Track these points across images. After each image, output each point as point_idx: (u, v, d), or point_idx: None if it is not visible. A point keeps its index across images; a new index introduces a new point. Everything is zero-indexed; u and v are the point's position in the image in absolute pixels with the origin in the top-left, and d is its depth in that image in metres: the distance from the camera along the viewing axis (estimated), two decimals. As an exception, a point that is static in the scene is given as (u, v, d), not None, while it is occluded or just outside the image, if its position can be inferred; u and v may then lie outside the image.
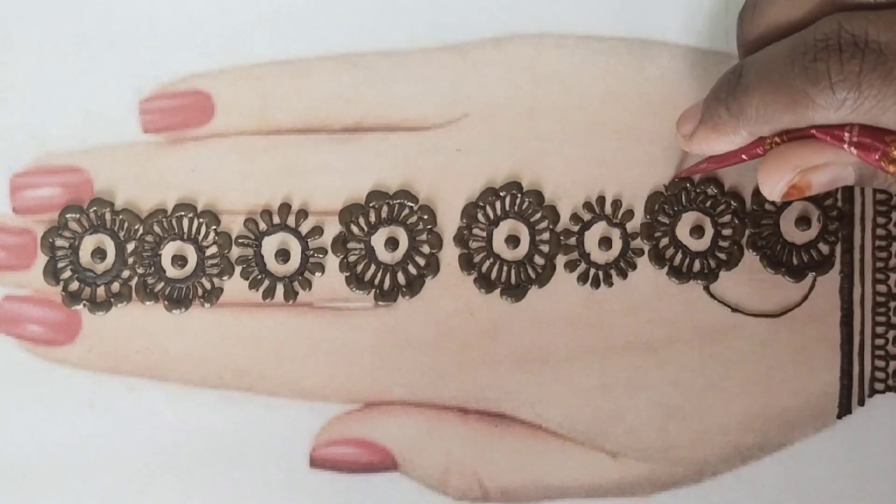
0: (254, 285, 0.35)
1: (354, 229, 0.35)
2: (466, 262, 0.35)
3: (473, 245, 0.35)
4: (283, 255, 0.35)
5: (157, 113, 0.35)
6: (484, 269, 0.35)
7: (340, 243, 0.35)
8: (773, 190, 0.29)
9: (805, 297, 0.35)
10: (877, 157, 0.26)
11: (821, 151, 0.28)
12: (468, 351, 0.35)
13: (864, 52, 0.25)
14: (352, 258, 0.35)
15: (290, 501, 0.35)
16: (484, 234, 0.35)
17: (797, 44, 0.27)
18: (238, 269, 0.35)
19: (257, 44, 0.35)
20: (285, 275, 0.35)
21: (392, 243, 0.35)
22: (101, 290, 0.35)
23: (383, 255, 0.35)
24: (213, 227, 0.35)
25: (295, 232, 0.35)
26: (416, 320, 0.35)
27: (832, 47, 0.26)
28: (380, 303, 0.35)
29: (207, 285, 0.35)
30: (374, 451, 0.35)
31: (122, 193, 0.35)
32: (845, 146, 0.27)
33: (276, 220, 0.35)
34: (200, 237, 0.35)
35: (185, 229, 0.35)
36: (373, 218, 0.35)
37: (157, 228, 0.35)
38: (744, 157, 0.31)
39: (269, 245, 0.35)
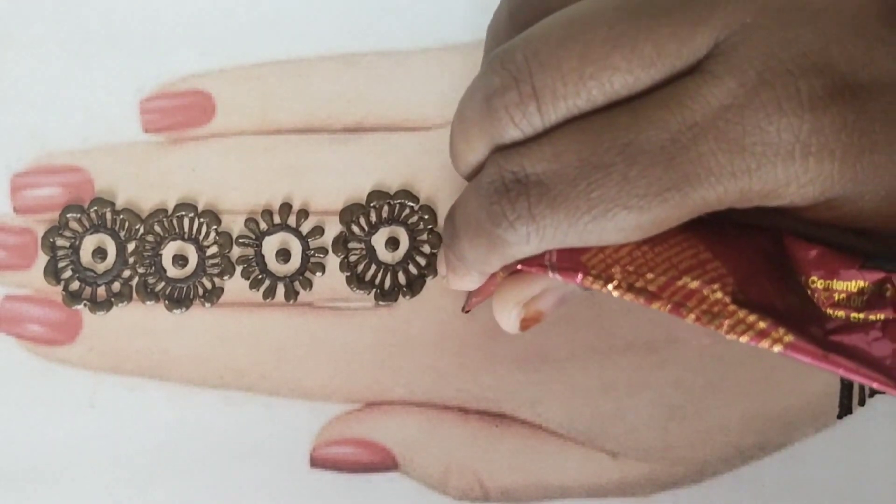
0: (254, 285, 0.35)
1: (355, 229, 0.35)
2: None
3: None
4: (283, 254, 0.35)
5: (157, 113, 0.35)
6: None
7: (341, 243, 0.35)
8: (509, 326, 0.29)
9: (805, 298, 0.35)
10: (580, 279, 0.26)
11: (535, 281, 0.28)
12: (469, 351, 0.35)
13: (528, 187, 0.25)
14: (352, 258, 0.35)
15: (291, 501, 0.35)
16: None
17: (477, 188, 0.26)
18: (239, 269, 0.35)
19: (258, 44, 0.35)
20: (286, 274, 0.35)
21: (393, 243, 0.35)
22: (101, 290, 0.35)
23: (384, 254, 0.35)
24: (214, 226, 0.35)
25: (296, 232, 0.35)
26: (416, 320, 0.35)
27: (499, 189, 0.25)
28: (380, 303, 0.35)
29: (208, 285, 0.35)
30: (374, 451, 0.35)
31: (122, 193, 0.35)
32: (550, 273, 0.26)
33: (277, 219, 0.35)
34: (201, 237, 0.35)
35: (186, 229, 0.35)
36: (373, 218, 0.35)
37: (157, 228, 0.35)
38: (491, 289, 0.30)
39: (270, 245, 0.35)
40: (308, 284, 0.35)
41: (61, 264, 0.35)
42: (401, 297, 0.35)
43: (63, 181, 0.35)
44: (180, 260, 0.35)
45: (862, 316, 0.24)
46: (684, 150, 0.24)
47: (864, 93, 0.24)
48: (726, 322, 0.24)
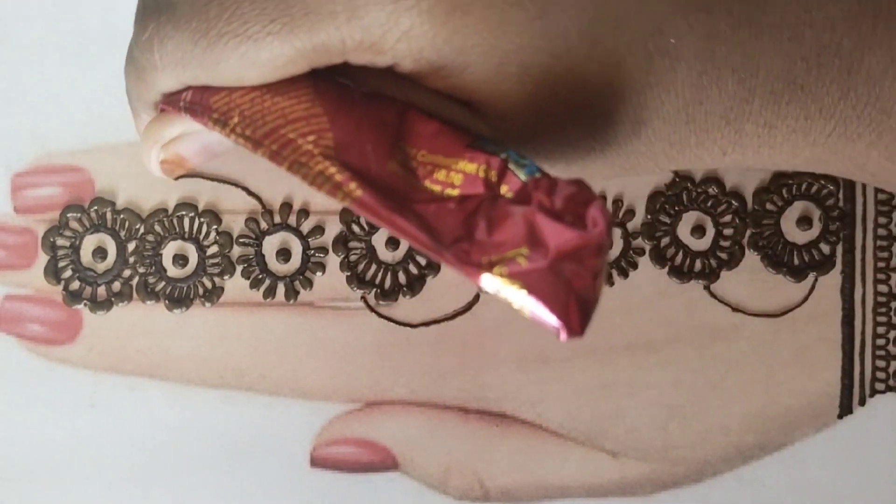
0: (255, 285, 0.35)
1: (355, 228, 0.35)
2: None
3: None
4: (284, 254, 0.35)
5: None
6: None
7: (341, 242, 0.35)
8: (150, 167, 0.27)
9: (806, 297, 0.35)
10: (205, 120, 0.24)
11: (175, 122, 0.26)
12: (469, 351, 0.35)
13: (160, 6, 0.24)
14: (353, 257, 0.35)
15: (291, 501, 0.35)
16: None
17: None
18: (239, 269, 0.35)
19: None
20: (286, 274, 0.35)
21: (393, 242, 0.35)
22: (101, 290, 0.35)
23: (384, 254, 0.35)
24: (214, 226, 0.35)
25: (296, 231, 0.35)
26: (416, 320, 0.35)
27: (139, 9, 0.25)
28: (381, 302, 0.35)
29: (208, 285, 0.35)
30: (374, 451, 0.35)
31: (123, 193, 0.35)
32: (182, 114, 0.25)
33: (277, 219, 0.35)
34: (201, 236, 0.35)
35: (187, 228, 0.35)
36: (374, 217, 0.35)
37: (158, 228, 0.35)
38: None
39: (270, 244, 0.35)
40: (308, 284, 0.35)
41: (61, 264, 0.35)
42: (401, 296, 0.35)
43: (63, 181, 0.35)
44: (180, 259, 0.35)
45: (456, 192, 0.23)
46: None
47: None
48: (311, 173, 0.23)
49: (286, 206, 0.35)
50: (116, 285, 0.35)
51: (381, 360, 0.35)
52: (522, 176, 0.23)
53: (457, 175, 0.23)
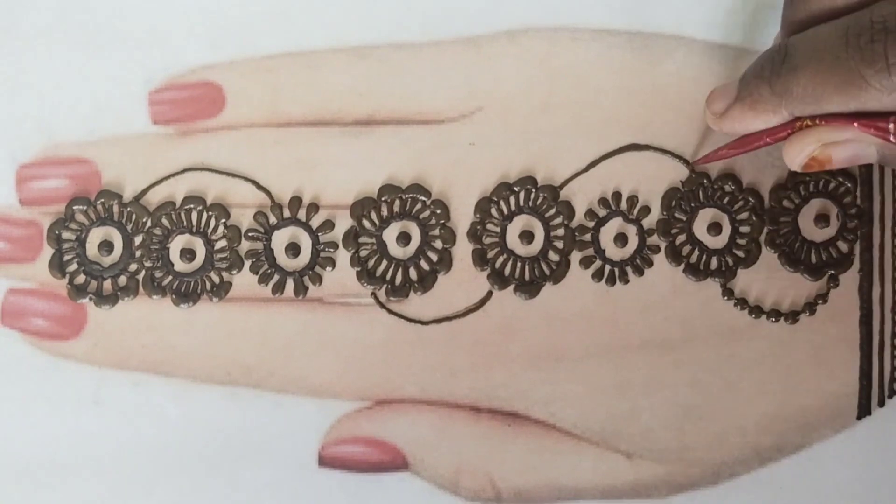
0: (263, 280, 0.34)
1: (366, 223, 0.34)
2: (480, 258, 0.34)
3: (487, 240, 0.34)
4: (293, 249, 0.34)
5: (166, 104, 0.35)
6: (497, 264, 0.34)
7: (352, 238, 0.34)
8: (795, 160, 0.29)
9: (824, 296, 0.34)
10: None
11: (844, 129, 0.28)
12: (481, 348, 0.34)
13: None
14: (363, 253, 0.34)
15: (298, 501, 0.34)
16: (498, 229, 0.34)
17: (853, 24, 0.27)
18: (247, 264, 0.34)
19: (269, 35, 0.35)
20: (295, 269, 0.34)
21: (404, 238, 0.34)
22: (107, 284, 0.34)
23: (395, 249, 0.34)
24: (223, 220, 0.34)
25: (306, 226, 0.34)
26: (428, 317, 0.34)
27: (890, 29, 0.26)
28: (391, 298, 0.34)
29: (216, 279, 0.34)
30: (384, 451, 0.34)
31: (130, 185, 0.35)
32: (891, 138, 0.26)
33: (287, 213, 0.34)
34: (209, 230, 0.34)
35: (194, 222, 0.34)
36: (385, 212, 0.34)
37: (165, 221, 0.34)
38: (768, 139, 0.30)
39: (280, 239, 0.34)
40: (318, 279, 0.34)
41: (67, 257, 0.34)
42: (412, 293, 0.34)
43: (70, 173, 0.35)
44: (188, 254, 0.34)
45: None
46: None
47: None
48: None
49: (296, 199, 0.34)
50: (122, 279, 0.34)
51: (392, 358, 0.34)
52: None
53: None
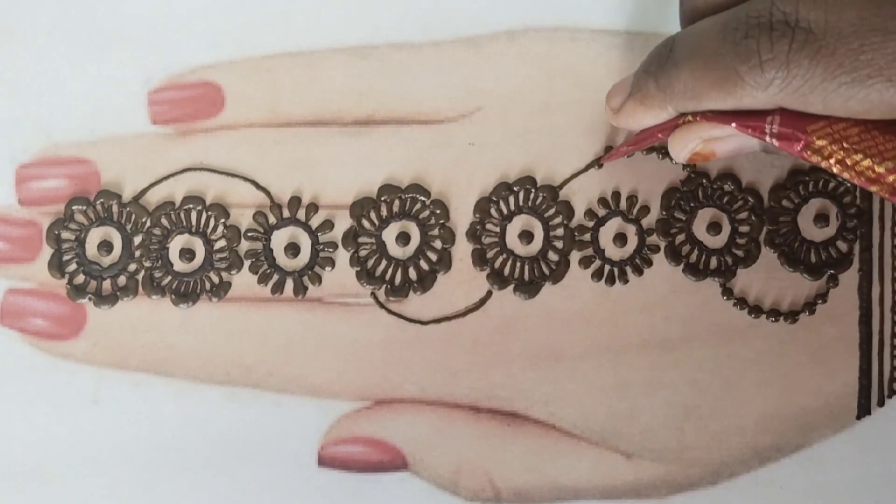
0: (263, 280, 0.34)
1: (365, 223, 0.34)
2: (479, 258, 0.34)
3: (486, 240, 0.34)
4: (292, 249, 0.34)
5: (166, 104, 0.35)
6: (497, 264, 0.34)
7: (351, 237, 0.34)
8: (679, 154, 0.29)
9: (823, 296, 0.34)
10: (799, 148, 0.25)
11: (724, 127, 0.28)
12: (480, 348, 0.34)
13: (794, 31, 0.25)
14: (363, 253, 0.34)
15: (298, 501, 0.34)
16: (497, 229, 0.34)
17: (730, 19, 0.26)
18: (247, 264, 0.34)
19: (268, 35, 0.35)
20: (295, 269, 0.34)
21: (404, 238, 0.34)
22: (106, 284, 0.34)
23: (395, 249, 0.34)
24: (222, 220, 0.34)
25: (305, 226, 0.34)
26: (427, 317, 0.34)
27: (763, 25, 0.25)
28: (391, 298, 0.34)
29: (215, 279, 0.34)
30: (383, 450, 0.34)
31: (129, 185, 0.35)
32: (767, 138, 0.26)
33: (286, 213, 0.34)
34: (209, 230, 0.34)
35: (194, 222, 0.34)
36: (384, 212, 0.34)
37: (164, 221, 0.34)
38: (660, 135, 0.30)
39: (279, 239, 0.34)
40: (317, 279, 0.34)
41: (66, 257, 0.34)
42: (411, 292, 0.34)
43: (69, 173, 0.35)
44: (187, 254, 0.34)
45: None
46: None
47: None
48: None
49: (295, 199, 0.34)
50: (122, 279, 0.34)
51: (391, 358, 0.34)
52: None
53: None
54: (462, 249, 0.34)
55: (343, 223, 0.34)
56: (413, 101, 0.35)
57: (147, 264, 0.34)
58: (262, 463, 0.34)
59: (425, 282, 0.34)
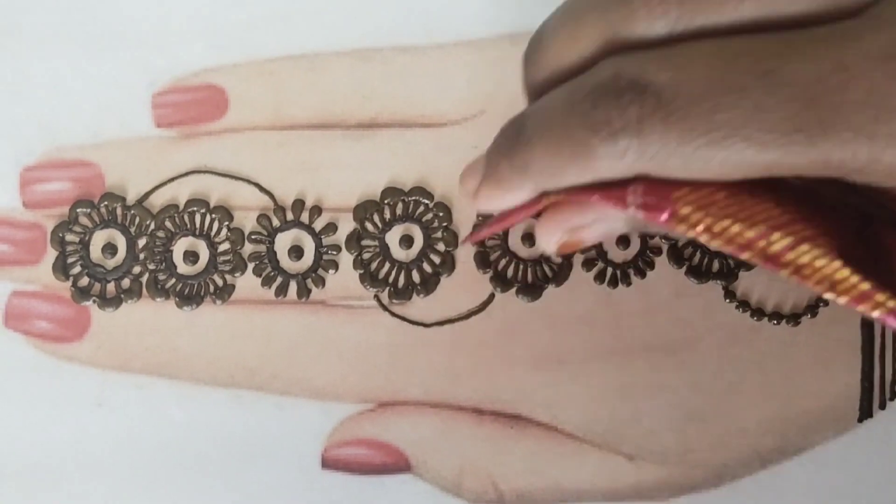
0: (266, 282, 0.34)
1: (369, 226, 0.34)
2: (482, 261, 0.34)
3: (489, 243, 0.34)
4: (296, 251, 0.34)
5: (170, 107, 0.35)
6: (500, 267, 0.34)
7: (355, 240, 0.34)
8: (547, 247, 0.27)
9: (826, 299, 0.34)
10: (665, 217, 0.23)
11: (586, 212, 0.26)
12: (483, 351, 0.34)
13: (643, 96, 0.22)
14: (366, 255, 0.34)
15: (302, 503, 0.34)
16: (500, 231, 0.35)
17: (575, 90, 0.24)
18: (251, 266, 0.34)
19: (272, 38, 0.35)
20: (298, 272, 0.34)
21: (407, 241, 0.34)
22: (111, 287, 0.34)
23: (398, 252, 0.35)
24: (226, 223, 0.34)
25: (309, 229, 0.34)
26: (430, 319, 0.34)
27: (610, 92, 0.23)
28: (394, 301, 0.34)
29: (219, 282, 0.34)
30: (387, 453, 0.34)
31: (133, 188, 0.35)
32: (630, 210, 0.24)
33: (290, 216, 0.34)
34: (213, 233, 0.34)
35: (198, 225, 0.34)
36: (388, 215, 0.35)
37: (168, 224, 0.34)
38: (524, 214, 0.27)
39: (283, 242, 0.35)
40: (321, 282, 0.34)
41: (70, 260, 0.34)
42: (415, 295, 0.34)
43: (73, 176, 0.35)
44: (191, 256, 0.34)
45: None
46: (828, 94, 0.21)
47: None
48: (826, 279, 0.22)
49: (299, 202, 0.34)
50: (126, 282, 0.34)
51: (395, 360, 0.34)
52: None
53: None
54: (465, 252, 0.34)
55: (346, 226, 0.34)
56: (416, 104, 0.35)
57: (151, 267, 0.34)
58: (266, 465, 0.34)
59: (428, 284, 0.34)
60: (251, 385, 0.34)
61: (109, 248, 0.34)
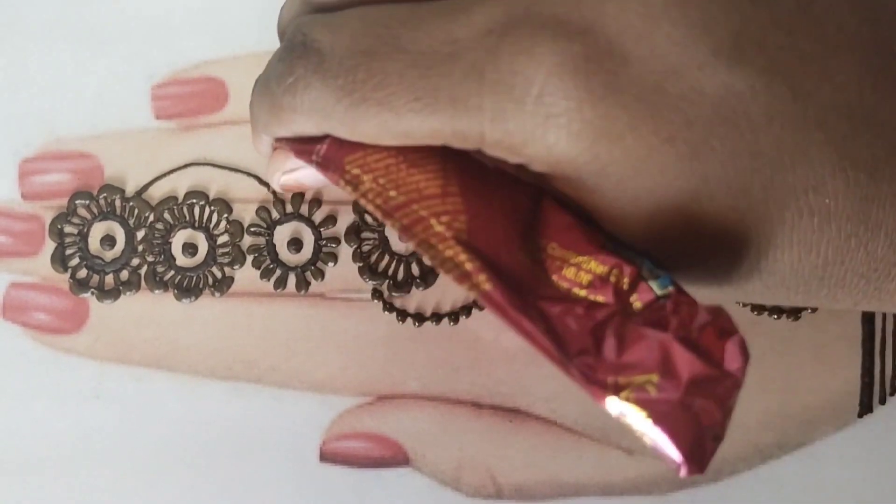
0: (265, 275, 0.34)
1: (368, 219, 0.34)
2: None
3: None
4: (295, 244, 0.34)
5: (169, 99, 0.35)
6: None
7: (354, 233, 0.34)
8: (272, 184, 0.29)
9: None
10: (338, 178, 0.24)
11: (295, 160, 0.27)
12: (483, 345, 0.34)
13: (308, 53, 0.24)
14: (365, 248, 0.34)
15: (299, 496, 0.34)
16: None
17: (278, 49, 0.26)
18: (249, 259, 0.34)
19: (271, 30, 0.35)
20: (297, 264, 0.34)
21: (406, 234, 0.34)
22: (109, 278, 0.34)
23: (398, 245, 0.34)
24: (225, 215, 0.34)
25: (308, 221, 0.34)
26: (430, 312, 0.34)
27: (288, 49, 0.25)
28: (393, 294, 0.34)
29: (218, 274, 0.34)
30: (385, 446, 0.34)
31: (132, 180, 0.35)
32: (314, 166, 0.25)
33: (289, 208, 0.34)
34: (212, 225, 0.34)
35: (197, 217, 0.34)
36: (387, 208, 0.34)
37: (167, 216, 0.34)
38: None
39: (282, 234, 0.34)
40: (320, 275, 0.34)
41: (69, 251, 0.34)
42: (414, 288, 0.34)
43: (72, 167, 0.35)
44: (190, 248, 0.34)
45: (584, 293, 0.23)
46: (439, 63, 0.23)
47: (625, 75, 0.22)
48: (440, 256, 0.23)
49: (298, 195, 0.34)
50: (124, 274, 0.34)
51: (393, 353, 0.34)
52: (657, 288, 0.22)
53: (586, 275, 0.23)
54: (465, 245, 0.34)
55: (346, 218, 0.34)
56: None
57: (150, 259, 0.34)
58: (264, 458, 0.34)
59: (428, 277, 0.34)
60: (249, 377, 0.34)
61: (108, 240, 0.34)
